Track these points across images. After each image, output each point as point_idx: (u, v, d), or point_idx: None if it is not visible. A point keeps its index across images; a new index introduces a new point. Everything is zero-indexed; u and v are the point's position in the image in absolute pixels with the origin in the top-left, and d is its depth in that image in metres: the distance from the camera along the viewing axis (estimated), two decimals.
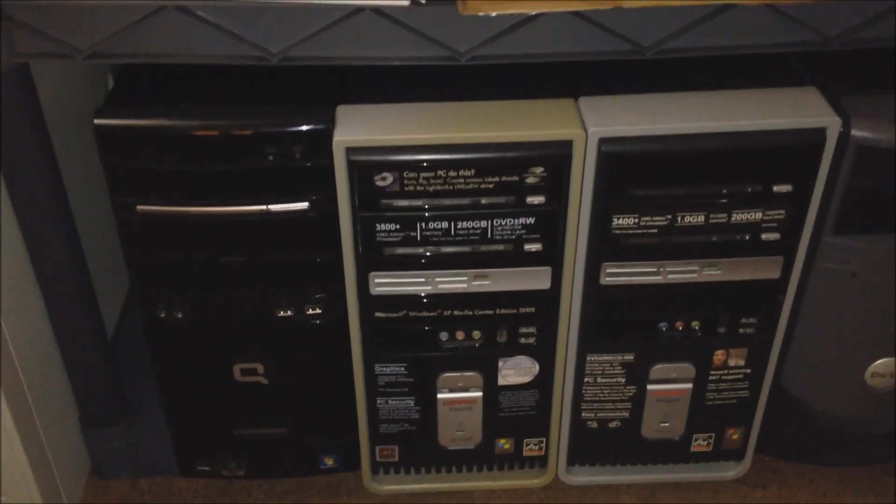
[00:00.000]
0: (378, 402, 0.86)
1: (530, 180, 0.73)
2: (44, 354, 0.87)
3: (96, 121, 0.70)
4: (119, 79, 0.76)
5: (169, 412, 0.88)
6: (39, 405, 0.86)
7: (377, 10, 0.69)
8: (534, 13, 0.68)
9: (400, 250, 0.77)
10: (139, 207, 0.73)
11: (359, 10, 0.69)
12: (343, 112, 0.74)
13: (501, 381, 0.86)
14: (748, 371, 0.86)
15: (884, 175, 0.75)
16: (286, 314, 0.79)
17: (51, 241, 0.81)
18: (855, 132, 0.73)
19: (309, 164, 0.72)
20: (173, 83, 0.76)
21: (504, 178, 0.73)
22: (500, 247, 0.77)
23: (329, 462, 0.92)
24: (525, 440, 0.91)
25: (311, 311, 0.80)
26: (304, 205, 0.74)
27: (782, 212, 0.76)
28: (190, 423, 0.88)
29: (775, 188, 0.74)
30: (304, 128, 0.71)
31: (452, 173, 0.72)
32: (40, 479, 0.87)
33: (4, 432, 0.82)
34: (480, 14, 0.67)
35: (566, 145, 0.72)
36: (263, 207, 0.73)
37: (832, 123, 0.72)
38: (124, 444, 0.95)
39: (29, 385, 0.84)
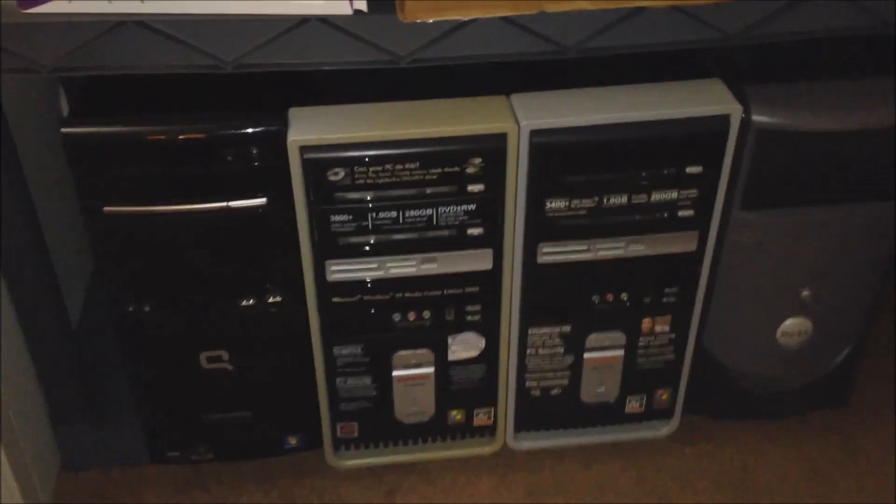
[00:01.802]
0: (337, 381, 0.93)
1: (470, 170, 0.80)
2: (13, 351, 0.90)
3: (63, 130, 0.75)
4: (82, 89, 0.81)
5: (138, 402, 0.92)
6: (12, 402, 0.89)
7: (323, 20, 0.75)
8: (467, 19, 0.75)
9: (353, 239, 0.83)
10: (106, 209, 0.78)
11: (306, 20, 0.74)
12: (295, 114, 0.80)
13: (451, 357, 0.93)
14: (673, 336, 0.95)
15: (783, 156, 0.84)
16: (248, 303, 0.85)
17: (15, 237, 0.84)
18: (755, 118, 0.81)
19: (265, 163, 0.78)
20: (133, 93, 0.80)
21: (446, 170, 0.80)
22: (445, 232, 0.84)
23: (293, 441, 0.98)
24: (475, 410, 0.98)
25: (271, 300, 0.86)
26: (262, 200, 0.80)
27: (695, 191, 0.84)
28: (159, 411, 0.93)
29: (688, 170, 0.83)
30: (260, 129, 0.77)
31: (399, 166, 0.79)
32: (18, 475, 0.90)
33: None
34: (419, 21, 0.73)
35: (501, 138, 0.79)
36: (224, 204, 0.79)
37: (735, 110, 0.81)
38: (93, 437, 0.98)
39: (4, 382, 0.87)
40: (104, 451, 0.99)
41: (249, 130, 0.77)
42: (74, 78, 0.90)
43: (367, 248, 0.84)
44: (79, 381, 0.95)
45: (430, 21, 0.73)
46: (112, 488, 0.99)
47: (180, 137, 0.76)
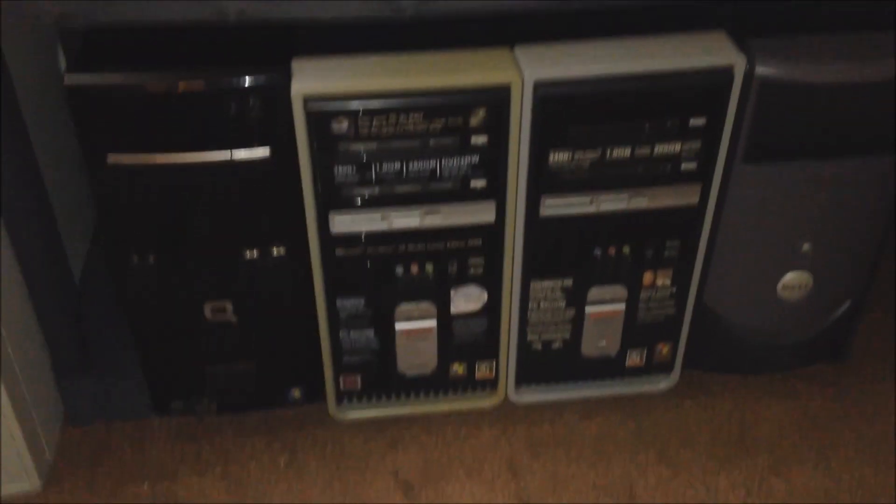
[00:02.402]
0: (340, 334, 0.93)
1: (474, 122, 0.80)
2: (17, 304, 0.90)
3: (67, 80, 0.75)
4: (82, 42, 0.80)
5: (142, 354, 0.93)
6: (18, 355, 0.90)
7: None
8: None
9: (356, 191, 0.83)
10: (110, 159, 0.78)
11: None
12: (298, 65, 0.79)
13: (454, 310, 0.93)
14: (674, 290, 0.96)
15: (785, 108, 0.84)
16: (253, 255, 0.86)
17: (18, 190, 0.84)
18: (759, 70, 0.81)
19: (269, 115, 0.78)
20: (135, 45, 0.80)
21: (450, 121, 0.80)
22: (448, 185, 0.84)
23: (296, 394, 0.99)
24: (477, 364, 0.99)
25: (275, 252, 0.86)
26: (265, 152, 0.80)
27: (698, 143, 0.84)
28: (162, 363, 0.94)
29: (691, 122, 0.83)
30: (264, 80, 0.77)
31: (403, 117, 0.79)
32: (25, 430, 0.91)
33: None
34: None
35: (505, 89, 0.79)
36: (228, 155, 0.79)
37: (738, 62, 0.81)
38: (96, 391, 0.99)
39: (8, 336, 0.88)
40: (106, 405, 1.00)
41: (253, 80, 0.77)
42: (72, 32, 0.89)
43: (371, 200, 0.84)
44: (81, 333, 0.96)
45: None
46: (115, 441, 1.00)
47: (184, 87, 0.76)
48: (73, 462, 0.98)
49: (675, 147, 0.84)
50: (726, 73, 0.81)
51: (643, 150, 0.84)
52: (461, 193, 0.84)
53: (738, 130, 0.85)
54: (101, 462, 0.98)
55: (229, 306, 0.89)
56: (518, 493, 0.96)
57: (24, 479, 0.93)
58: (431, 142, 0.81)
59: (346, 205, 0.84)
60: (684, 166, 0.86)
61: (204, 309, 0.89)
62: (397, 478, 0.98)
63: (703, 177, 0.87)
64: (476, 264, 0.90)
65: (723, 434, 1.02)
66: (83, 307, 0.98)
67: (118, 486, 0.96)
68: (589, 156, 0.84)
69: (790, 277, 0.96)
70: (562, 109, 0.81)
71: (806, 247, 0.93)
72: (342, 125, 0.79)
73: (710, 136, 0.84)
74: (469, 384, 1.01)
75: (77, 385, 0.98)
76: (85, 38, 0.80)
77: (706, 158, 0.86)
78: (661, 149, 0.84)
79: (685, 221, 0.90)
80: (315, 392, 0.99)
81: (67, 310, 0.93)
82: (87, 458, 0.99)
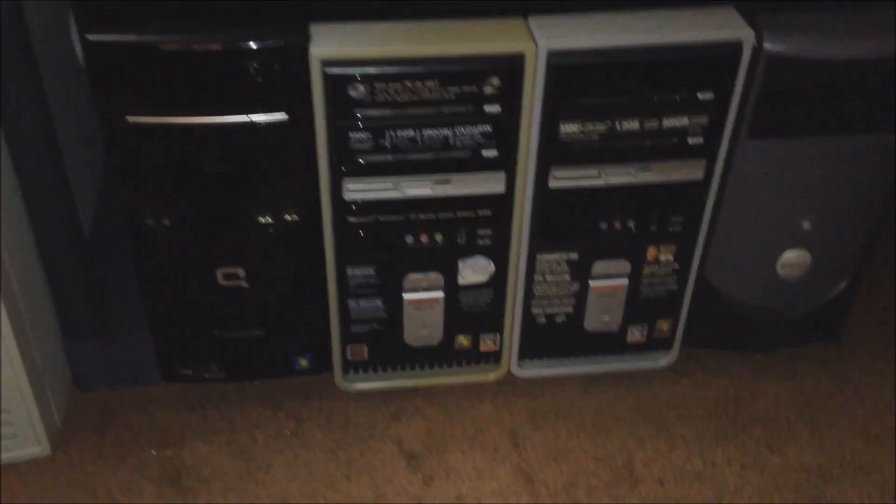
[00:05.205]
0: (349, 303, 0.95)
1: (488, 90, 0.82)
2: (28, 267, 0.91)
3: (88, 36, 0.75)
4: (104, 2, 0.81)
5: (152, 318, 0.94)
6: (29, 319, 0.90)
7: None
8: None
9: (371, 157, 0.84)
10: (129, 119, 0.79)
11: None
12: (316, 30, 0.81)
13: (461, 281, 0.95)
14: (676, 266, 0.98)
15: (792, 84, 0.86)
16: (266, 220, 0.87)
17: (32, 146, 0.85)
18: (767, 45, 0.83)
19: (287, 78, 0.79)
20: (152, 5, 0.81)
21: (464, 88, 0.81)
22: (461, 153, 0.85)
23: (303, 363, 1.00)
24: (481, 336, 1.01)
25: (288, 218, 0.87)
26: (282, 116, 0.81)
27: (705, 118, 0.86)
28: (173, 328, 0.95)
29: (699, 95, 0.85)
30: (284, 42, 0.78)
31: (418, 84, 0.80)
32: (36, 395, 0.91)
33: (4, 347, 0.86)
34: None
35: (519, 58, 0.81)
36: (246, 118, 0.80)
37: (747, 37, 0.83)
38: (103, 356, 0.99)
39: (22, 298, 0.88)
40: (113, 371, 1.01)
41: (273, 43, 0.78)
42: None
43: (385, 167, 0.85)
44: (91, 296, 0.96)
45: None
46: (121, 407, 1.01)
47: (203, 48, 0.77)
48: (81, 427, 0.99)
49: (683, 121, 0.86)
50: (735, 47, 0.83)
51: (651, 123, 0.86)
52: (473, 163, 0.86)
53: (744, 106, 0.87)
54: (108, 428, 0.99)
55: (241, 272, 0.90)
56: (519, 464, 0.98)
57: (35, 444, 0.94)
58: (446, 109, 0.82)
59: (360, 172, 0.85)
60: (691, 140, 0.87)
61: (216, 274, 0.89)
62: (401, 448, 0.99)
63: (708, 151, 0.89)
64: (484, 235, 0.92)
65: (719, 410, 1.04)
66: (93, 268, 0.98)
67: (126, 451, 0.97)
68: (599, 128, 0.86)
69: (790, 255, 0.98)
70: (574, 79, 0.83)
71: (806, 225, 0.95)
72: (359, 90, 0.80)
73: (718, 110, 0.86)
74: (473, 357, 1.03)
75: (84, 350, 0.99)
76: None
77: (712, 133, 0.87)
78: (669, 122, 0.86)
79: (689, 196, 0.92)
80: (322, 362, 1.00)
81: (78, 273, 0.93)
82: (94, 424, 0.99)
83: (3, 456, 0.93)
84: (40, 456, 0.95)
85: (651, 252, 0.96)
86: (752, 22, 0.83)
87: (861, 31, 0.84)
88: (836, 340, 1.10)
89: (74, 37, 1.05)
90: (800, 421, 1.04)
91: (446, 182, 0.87)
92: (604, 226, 0.93)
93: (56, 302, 0.96)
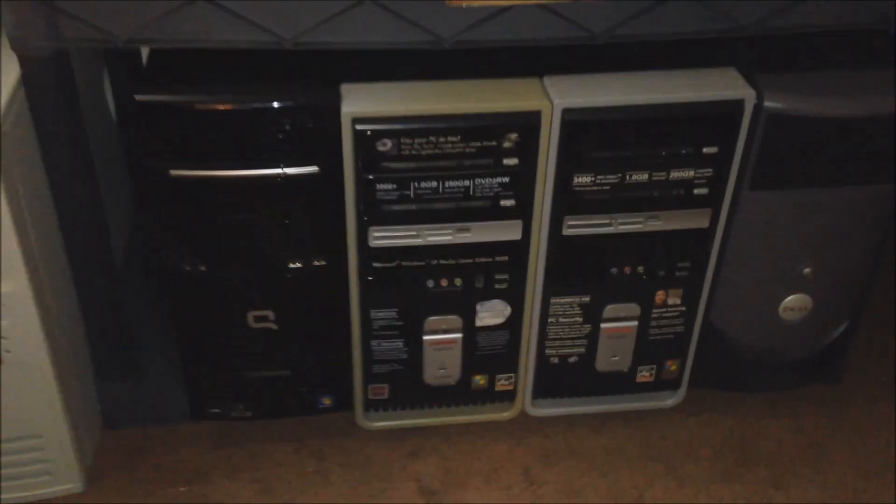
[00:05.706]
0: (372, 344, 0.99)
1: (506, 145, 0.87)
2: (67, 313, 0.95)
3: (137, 97, 0.81)
4: (149, 61, 0.87)
5: (184, 359, 0.98)
6: (68, 361, 0.94)
7: (376, 2, 0.82)
8: (506, 5, 0.82)
9: (396, 207, 0.89)
10: (172, 172, 0.84)
11: (360, 1, 0.81)
12: (347, 89, 0.86)
13: (479, 323, 0.99)
14: (683, 309, 1.02)
15: (791, 139, 0.91)
16: (296, 265, 0.91)
17: (75, 200, 0.89)
18: (767, 103, 0.89)
19: (319, 134, 0.85)
20: (192, 66, 0.87)
21: (484, 143, 0.87)
22: (480, 203, 0.90)
23: (327, 402, 1.04)
24: (497, 376, 1.05)
25: (316, 263, 0.92)
26: (314, 168, 0.86)
27: (710, 170, 0.92)
28: (204, 367, 0.99)
29: (704, 150, 0.90)
30: (317, 102, 0.84)
31: (441, 139, 0.86)
32: (72, 431, 0.94)
33: (46, 388, 0.89)
34: (464, 5, 0.81)
35: (536, 115, 0.86)
36: (280, 171, 0.85)
37: (748, 96, 0.88)
38: (134, 395, 1.03)
39: (61, 338, 0.92)
40: (141, 409, 1.04)
41: (307, 103, 0.83)
42: (117, 53, 0.94)
43: (408, 216, 0.90)
44: (123, 338, 1.00)
45: (476, 5, 0.81)
46: (150, 445, 1.04)
47: (245, 107, 0.82)
48: (111, 464, 1.02)
49: (689, 173, 0.91)
50: (737, 105, 0.88)
51: (660, 175, 0.91)
52: (491, 212, 0.91)
53: (746, 159, 0.92)
54: (138, 465, 1.02)
55: (271, 314, 0.94)
56: (533, 501, 1.01)
57: (69, 481, 0.97)
58: (467, 162, 0.88)
59: (385, 220, 0.90)
60: (697, 191, 0.93)
61: (248, 317, 0.94)
62: (420, 485, 1.02)
63: (713, 202, 0.94)
64: (501, 280, 0.96)
65: (725, 449, 1.07)
66: (124, 310, 1.02)
67: (156, 487, 1.00)
68: (610, 179, 0.91)
69: (791, 299, 1.02)
70: (587, 135, 0.88)
71: (807, 270, 0.99)
72: (386, 145, 0.85)
73: (722, 163, 0.91)
74: (489, 396, 1.06)
75: (115, 389, 1.02)
76: (149, 59, 0.86)
77: (717, 184, 0.93)
78: (676, 174, 0.91)
79: (695, 244, 0.97)
80: (344, 401, 1.04)
81: (113, 316, 0.97)
82: (124, 461, 1.03)
83: (39, 492, 0.96)
84: (73, 492, 0.99)
85: (659, 296, 1.00)
86: (752, 82, 0.89)
87: (855, 90, 0.90)
88: (837, 381, 1.14)
89: (108, 95, 1.11)
90: (802, 459, 1.07)
91: (466, 230, 0.92)
92: (614, 271, 0.98)
93: (91, 344, 0.99)
